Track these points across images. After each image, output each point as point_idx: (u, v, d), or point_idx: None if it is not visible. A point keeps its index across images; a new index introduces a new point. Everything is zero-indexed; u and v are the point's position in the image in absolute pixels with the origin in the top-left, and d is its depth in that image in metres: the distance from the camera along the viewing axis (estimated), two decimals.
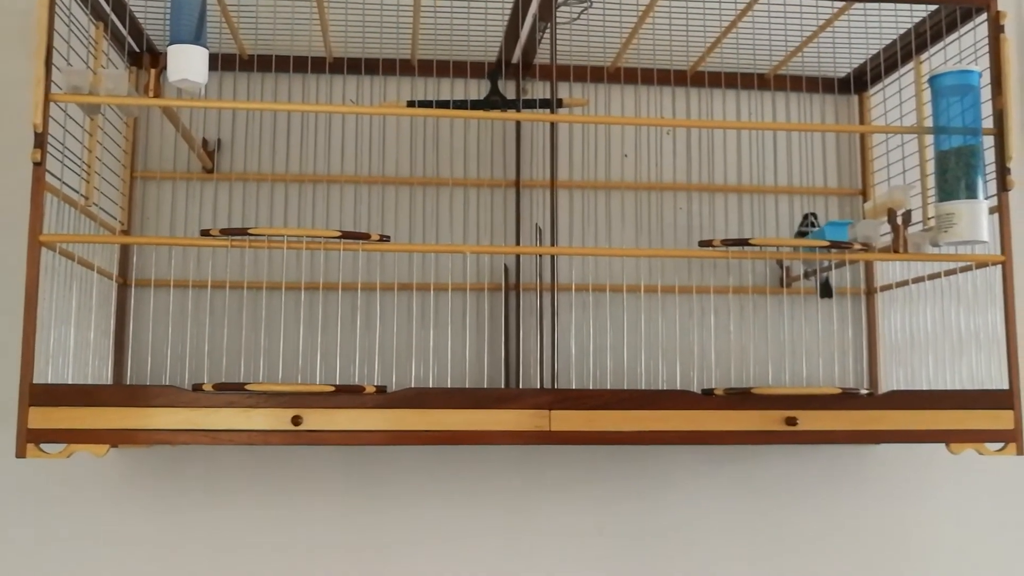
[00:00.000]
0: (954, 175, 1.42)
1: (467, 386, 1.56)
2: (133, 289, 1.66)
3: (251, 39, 1.71)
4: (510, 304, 1.73)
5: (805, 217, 1.75)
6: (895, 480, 1.83)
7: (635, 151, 1.84)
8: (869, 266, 1.82)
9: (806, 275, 1.78)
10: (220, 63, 1.73)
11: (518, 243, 1.77)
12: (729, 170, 1.85)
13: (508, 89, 1.77)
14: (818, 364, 1.64)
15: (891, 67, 1.75)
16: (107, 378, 1.60)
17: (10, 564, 1.66)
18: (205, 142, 1.74)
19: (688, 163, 1.84)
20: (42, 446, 1.26)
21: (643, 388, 1.63)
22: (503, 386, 1.69)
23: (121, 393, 1.31)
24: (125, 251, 1.68)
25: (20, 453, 1.25)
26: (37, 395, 1.26)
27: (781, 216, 1.85)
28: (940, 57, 1.61)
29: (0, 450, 1.59)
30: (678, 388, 1.47)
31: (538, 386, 1.65)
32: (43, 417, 1.26)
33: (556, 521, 1.76)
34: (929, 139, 1.55)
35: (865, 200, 1.85)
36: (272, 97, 1.78)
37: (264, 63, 1.76)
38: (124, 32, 1.62)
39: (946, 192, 1.42)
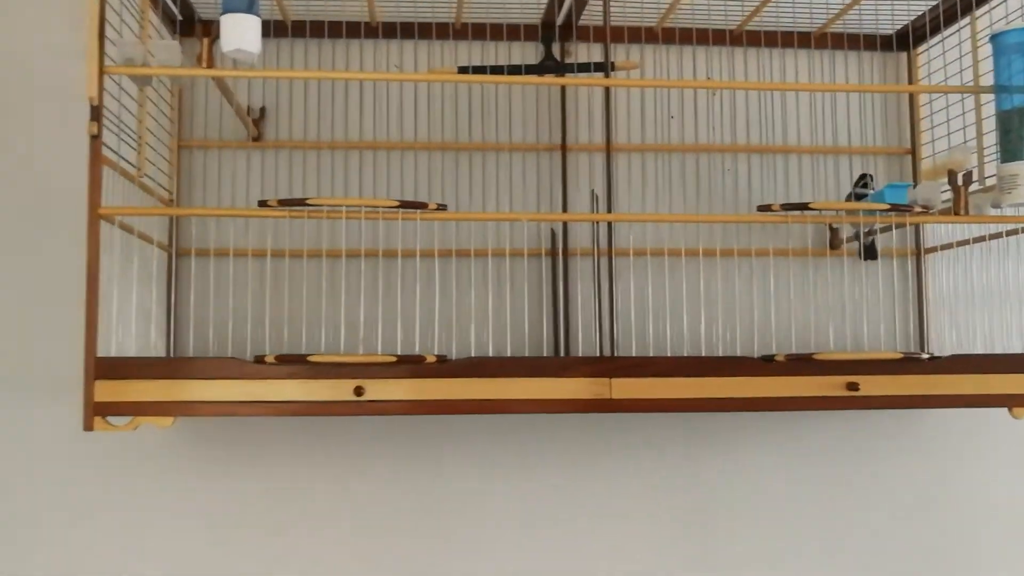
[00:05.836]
0: (1018, 135, 1.39)
1: (527, 354, 1.55)
2: (193, 259, 1.67)
3: (299, 4, 1.69)
4: (557, 270, 1.72)
5: (861, 177, 1.71)
6: (956, 445, 1.82)
7: (681, 113, 1.81)
8: (923, 227, 1.79)
9: (857, 237, 1.75)
10: (270, 30, 1.71)
11: (565, 208, 1.75)
12: (783, 130, 1.83)
13: (555, 52, 1.74)
14: (877, 327, 1.62)
15: (941, 24, 1.72)
16: (167, 351, 1.60)
17: (79, 533, 1.67)
18: (249, 110, 1.73)
19: (734, 124, 1.81)
20: (109, 419, 1.26)
21: (703, 355, 1.61)
22: (557, 353, 1.68)
23: (185, 365, 1.31)
24: (175, 222, 1.68)
25: (88, 426, 1.25)
26: (102, 369, 1.26)
27: (829, 176, 1.82)
28: (991, 17, 1.58)
29: (67, 423, 1.61)
30: (738, 354, 1.46)
31: (597, 354, 1.64)
32: (109, 390, 1.26)
33: (616, 488, 1.76)
34: (986, 98, 1.53)
35: (915, 160, 1.82)
36: (317, 64, 1.76)
37: (313, 29, 1.74)
38: (173, 3, 1.61)
39: (1009, 152, 1.39)
